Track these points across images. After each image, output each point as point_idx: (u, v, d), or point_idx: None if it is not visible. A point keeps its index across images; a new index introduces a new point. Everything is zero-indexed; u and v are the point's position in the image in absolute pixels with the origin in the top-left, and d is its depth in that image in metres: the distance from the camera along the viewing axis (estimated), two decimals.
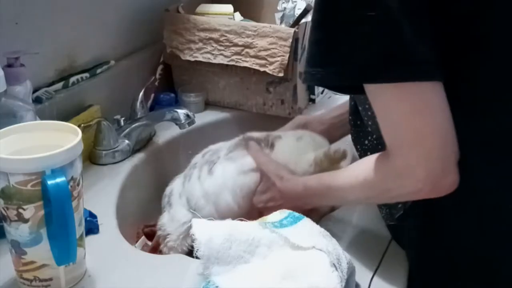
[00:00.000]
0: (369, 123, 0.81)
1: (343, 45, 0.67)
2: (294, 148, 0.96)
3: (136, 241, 1.01)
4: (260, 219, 0.78)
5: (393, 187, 0.72)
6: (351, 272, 0.73)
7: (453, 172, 0.68)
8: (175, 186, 1.00)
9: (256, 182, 0.94)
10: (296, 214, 0.78)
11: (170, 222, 0.96)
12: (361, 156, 0.88)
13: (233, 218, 0.94)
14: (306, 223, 0.76)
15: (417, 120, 0.67)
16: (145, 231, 1.02)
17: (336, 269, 0.70)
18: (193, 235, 0.71)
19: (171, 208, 0.98)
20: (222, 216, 0.92)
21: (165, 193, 1.01)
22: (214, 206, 0.94)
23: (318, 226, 0.77)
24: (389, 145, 0.71)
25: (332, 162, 0.91)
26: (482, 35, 0.69)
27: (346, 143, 0.96)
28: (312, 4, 1.27)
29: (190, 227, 0.93)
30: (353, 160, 0.88)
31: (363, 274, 0.77)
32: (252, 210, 0.93)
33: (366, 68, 0.66)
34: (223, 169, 0.95)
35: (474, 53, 0.69)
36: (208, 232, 0.71)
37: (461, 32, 0.68)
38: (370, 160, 0.75)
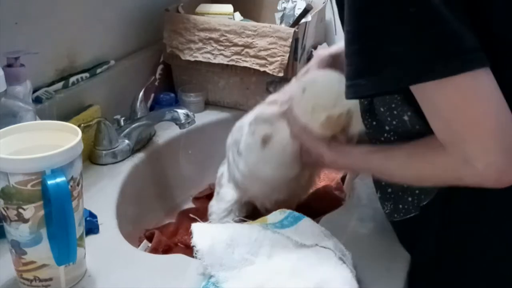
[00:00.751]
0: (393, 122, 0.76)
1: (392, 47, 0.63)
2: (302, 104, 0.87)
3: (138, 245, 1.00)
4: (260, 220, 0.78)
5: (450, 180, 0.70)
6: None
7: None
8: (225, 168, 1.01)
9: (293, 150, 0.88)
10: (296, 214, 0.78)
11: (217, 203, 0.99)
12: None
13: (286, 182, 0.92)
14: (307, 223, 0.77)
15: (472, 112, 0.63)
16: (146, 234, 1.02)
17: (344, 262, 0.70)
18: (195, 246, 0.71)
19: (221, 188, 1.00)
20: (275, 185, 0.92)
21: (218, 174, 1.04)
22: (260, 181, 0.93)
23: (318, 225, 0.77)
24: (444, 142, 0.67)
25: (339, 126, 0.84)
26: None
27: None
28: (312, 4, 1.28)
29: (233, 204, 0.98)
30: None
31: (367, 275, 0.77)
32: (305, 168, 0.91)
33: (422, 67, 0.63)
34: (248, 146, 0.92)
35: (503, 58, 0.66)
36: (209, 240, 0.71)
37: (492, 37, 0.65)
38: (423, 151, 0.71)
